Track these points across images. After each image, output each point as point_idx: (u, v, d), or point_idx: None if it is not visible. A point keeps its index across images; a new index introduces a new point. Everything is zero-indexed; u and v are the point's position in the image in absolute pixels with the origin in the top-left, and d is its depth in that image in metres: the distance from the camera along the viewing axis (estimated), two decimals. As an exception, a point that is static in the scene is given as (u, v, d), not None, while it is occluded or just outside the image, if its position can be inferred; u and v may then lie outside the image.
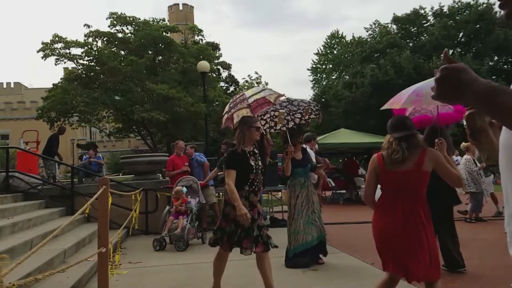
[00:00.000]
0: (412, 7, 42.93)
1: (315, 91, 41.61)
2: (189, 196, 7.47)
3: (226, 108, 5.28)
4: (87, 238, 6.43)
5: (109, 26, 22.56)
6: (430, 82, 4.66)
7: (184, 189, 7.41)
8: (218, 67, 28.22)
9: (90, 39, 21.61)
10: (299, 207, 5.43)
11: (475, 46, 31.51)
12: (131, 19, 22.87)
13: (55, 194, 8.47)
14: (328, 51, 43.83)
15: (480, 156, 8.50)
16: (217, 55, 27.65)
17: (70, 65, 22.55)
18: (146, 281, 4.93)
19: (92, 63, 21.79)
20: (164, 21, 26.25)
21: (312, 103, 6.45)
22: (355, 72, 32.37)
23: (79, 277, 4.42)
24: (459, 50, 31.80)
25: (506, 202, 1.28)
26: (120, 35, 22.95)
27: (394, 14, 34.18)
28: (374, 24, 35.98)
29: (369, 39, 35.14)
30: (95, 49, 21.38)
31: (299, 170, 5.49)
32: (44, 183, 9.00)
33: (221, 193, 8.84)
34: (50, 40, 20.52)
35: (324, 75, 43.15)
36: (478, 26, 30.61)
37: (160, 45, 22.54)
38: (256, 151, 4.09)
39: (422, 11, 33.65)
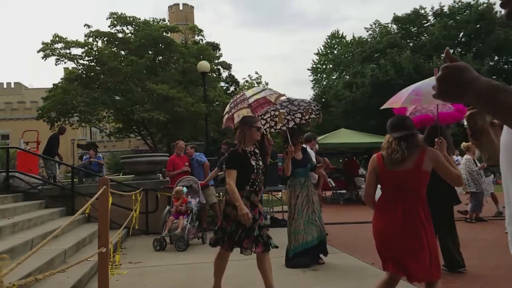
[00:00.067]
0: (412, 7, 43.09)
1: (315, 91, 41.64)
2: (189, 196, 7.47)
3: (227, 108, 5.28)
4: (87, 238, 6.43)
5: (109, 26, 22.60)
6: (430, 81, 4.68)
7: (185, 189, 7.41)
8: (218, 67, 28.21)
9: (91, 39, 21.61)
10: (299, 207, 5.43)
11: (475, 46, 31.50)
12: (131, 19, 22.87)
13: (55, 194, 8.47)
14: (329, 51, 43.83)
15: (480, 156, 8.50)
16: (217, 55, 27.64)
17: (70, 65, 22.57)
18: (146, 281, 4.93)
19: (92, 63, 21.78)
20: (164, 21, 26.25)
21: (312, 103, 6.46)
22: (356, 72, 32.37)
23: (80, 277, 4.42)
24: (459, 50, 31.78)
25: (507, 202, 1.27)
26: (120, 35, 22.95)
27: (394, 14, 34.23)
28: (375, 24, 36.02)
29: (369, 39, 35.13)
30: (95, 49, 21.37)
31: (300, 170, 5.49)
32: (45, 183, 9.00)
33: (221, 193, 8.83)
34: (51, 40, 20.52)
35: (324, 75, 43.15)
36: (478, 26, 30.60)
37: (160, 45, 22.54)
38: (257, 151, 4.08)
39: (423, 11, 33.67)
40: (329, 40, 44.04)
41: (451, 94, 1.07)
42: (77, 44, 20.90)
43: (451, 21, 31.65)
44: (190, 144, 10.70)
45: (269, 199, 10.84)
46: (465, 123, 1.86)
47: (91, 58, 21.41)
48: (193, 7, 60.06)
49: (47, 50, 20.39)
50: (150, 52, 22.41)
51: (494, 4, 30.19)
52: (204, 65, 14.77)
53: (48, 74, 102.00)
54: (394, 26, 34.74)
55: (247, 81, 30.61)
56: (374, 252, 3.18)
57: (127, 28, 23.10)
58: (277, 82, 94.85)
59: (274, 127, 5.95)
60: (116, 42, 22.69)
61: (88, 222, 7.67)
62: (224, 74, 30.76)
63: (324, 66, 43.64)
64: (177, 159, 8.75)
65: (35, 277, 2.40)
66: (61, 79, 22.47)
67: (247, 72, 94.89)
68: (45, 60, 20.54)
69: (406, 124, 3.10)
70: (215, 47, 28.57)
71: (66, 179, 16.42)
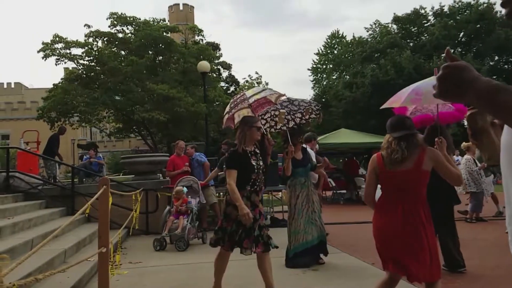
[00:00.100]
0: (412, 7, 43.07)
1: (316, 91, 41.64)
2: (189, 196, 7.47)
3: (227, 108, 5.28)
4: (87, 238, 6.43)
5: (109, 26, 22.60)
6: (429, 80, 4.69)
7: (185, 189, 7.41)
8: (218, 67, 28.21)
9: (91, 39, 21.61)
10: (299, 207, 5.43)
11: (475, 46, 31.50)
12: (132, 19, 22.87)
13: (55, 194, 8.47)
14: (329, 51, 43.83)
15: (480, 156, 8.50)
16: (218, 55, 27.64)
17: (71, 65, 22.57)
18: (146, 281, 4.93)
19: (93, 63, 21.78)
20: (165, 21, 26.26)
21: (312, 103, 6.46)
22: (356, 72, 32.37)
23: (80, 277, 4.42)
24: (459, 50, 31.77)
25: (507, 202, 1.27)
26: (120, 35, 22.95)
27: (394, 14, 34.23)
28: (375, 24, 36.02)
29: (369, 39, 35.13)
30: (95, 49, 21.37)
31: (300, 170, 5.49)
32: (45, 183, 9.00)
33: (221, 193, 8.83)
34: (51, 40, 20.51)
35: (324, 75, 43.15)
36: (478, 26, 30.59)
37: (161, 45, 22.54)
38: (257, 151, 4.08)
39: (423, 11, 33.65)
40: (329, 40, 44.06)
41: (451, 94, 1.07)
42: (77, 44, 20.90)
43: (451, 21, 31.65)
44: (190, 144, 10.70)
45: (269, 199, 10.84)
46: (466, 123, 1.85)
47: (91, 58, 21.41)
48: (193, 7, 60.15)
49: (47, 50, 20.39)
50: (150, 52, 22.41)
51: (495, 4, 30.23)
52: (204, 65, 14.77)
53: (48, 74, 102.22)
54: (394, 26, 34.73)
55: (247, 81, 30.61)
56: (375, 252, 3.18)
57: (127, 28, 23.10)
58: (277, 82, 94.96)
59: (274, 127, 5.95)
60: (116, 42, 22.69)
61: (88, 222, 7.67)
62: (224, 74, 30.80)
63: (324, 66, 43.65)
64: (177, 159, 8.75)
65: (35, 277, 2.40)
66: (61, 79, 22.47)
67: (247, 72, 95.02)
68: (45, 60, 20.55)
69: (406, 124, 3.10)
70: (215, 47, 28.56)
71: (66, 179, 16.42)
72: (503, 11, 1.18)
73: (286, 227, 5.63)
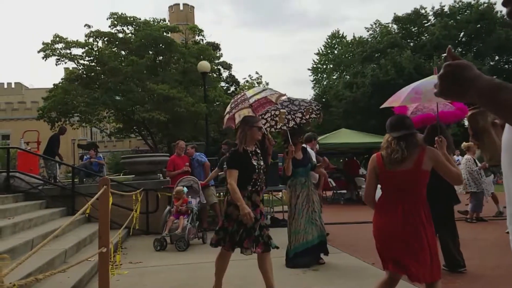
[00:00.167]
0: (412, 6, 43.10)
1: (316, 91, 41.65)
2: (189, 196, 7.47)
3: (228, 108, 5.27)
4: (88, 238, 6.43)
5: (109, 26, 22.64)
6: (429, 80, 4.67)
7: (185, 189, 7.41)
8: (218, 67, 28.23)
9: (91, 39, 21.63)
10: (299, 207, 5.42)
11: (476, 46, 31.49)
12: (132, 19, 22.90)
13: (56, 194, 8.47)
14: (329, 51, 43.85)
15: (481, 156, 8.50)
16: (218, 55, 27.65)
17: (71, 65, 22.61)
18: (146, 281, 4.93)
19: (93, 63, 21.81)
20: (165, 21, 26.29)
21: (313, 102, 6.45)
22: (356, 72, 32.37)
23: (80, 277, 4.42)
24: (460, 50, 31.75)
25: (508, 202, 1.27)
26: (120, 35, 22.98)
27: (394, 14, 34.25)
28: (375, 24, 36.03)
29: (369, 39, 35.13)
30: (95, 49, 21.39)
31: (300, 170, 5.49)
32: (45, 183, 9.00)
33: (221, 193, 8.83)
34: (51, 40, 20.54)
35: (324, 75, 43.16)
36: (479, 25, 30.59)
37: (161, 45, 22.56)
38: (258, 151, 4.08)
39: (423, 11, 33.67)
40: (329, 40, 44.07)
41: (453, 92, 1.07)
42: (77, 44, 20.92)
43: (452, 21, 31.65)
44: (191, 144, 10.70)
45: (269, 199, 10.84)
46: (467, 123, 1.85)
47: (92, 58, 21.44)
48: (193, 7, 60.13)
49: (48, 50, 20.41)
50: (150, 52, 22.42)
51: (495, 4, 30.22)
52: (204, 65, 14.77)
53: (48, 74, 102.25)
54: (395, 26, 34.73)
55: (247, 81, 30.63)
56: (375, 252, 3.18)
57: (128, 28, 23.13)
58: (277, 82, 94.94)
59: (275, 126, 5.94)
60: (117, 42, 22.72)
61: (88, 222, 7.66)
62: (225, 74, 30.81)
63: (324, 66, 43.66)
64: (177, 159, 8.74)
65: (36, 277, 2.40)
66: (62, 79, 22.51)
67: (248, 72, 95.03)
68: (45, 60, 20.60)
69: (405, 124, 3.09)
70: (215, 47, 28.57)
71: (67, 179, 16.41)
72: (504, 10, 1.18)
73: (286, 227, 5.63)
